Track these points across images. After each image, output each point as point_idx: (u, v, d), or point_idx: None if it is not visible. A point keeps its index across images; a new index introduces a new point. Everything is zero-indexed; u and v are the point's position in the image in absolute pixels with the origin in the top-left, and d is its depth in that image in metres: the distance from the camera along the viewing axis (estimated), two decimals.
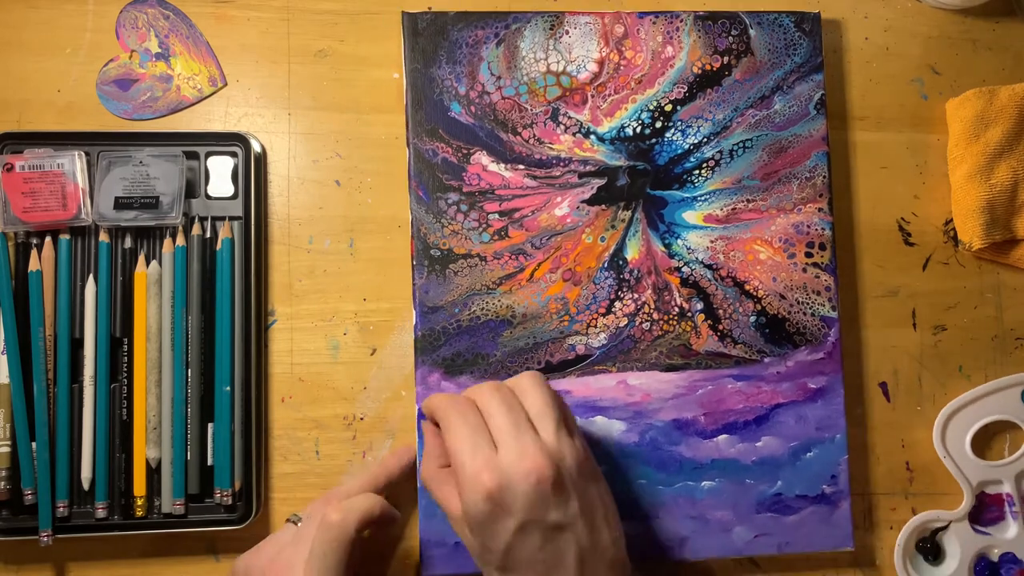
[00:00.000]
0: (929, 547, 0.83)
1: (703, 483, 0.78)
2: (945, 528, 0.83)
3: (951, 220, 0.87)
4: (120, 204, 0.75)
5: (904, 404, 0.85)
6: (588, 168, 0.79)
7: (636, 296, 0.79)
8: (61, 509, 0.73)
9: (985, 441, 0.86)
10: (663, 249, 0.79)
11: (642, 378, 0.78)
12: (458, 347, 0.77)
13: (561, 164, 0.79)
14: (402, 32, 0.79)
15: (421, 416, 0.76)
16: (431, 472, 0.68)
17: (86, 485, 0.74)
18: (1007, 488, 0.84)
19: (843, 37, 0.88)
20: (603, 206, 0.79)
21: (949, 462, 0.83)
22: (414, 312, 0.77)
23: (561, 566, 0.62)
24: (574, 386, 0.78)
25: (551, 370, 0.77)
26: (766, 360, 0.80)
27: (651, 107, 0.80)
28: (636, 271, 0.79)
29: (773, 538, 0.78)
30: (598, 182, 0.79)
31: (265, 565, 0.68)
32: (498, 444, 0.62)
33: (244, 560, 0.70)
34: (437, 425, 0.68)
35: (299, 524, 0.70)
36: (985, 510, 0.84)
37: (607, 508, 0.66)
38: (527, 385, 0.66)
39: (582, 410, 0.77)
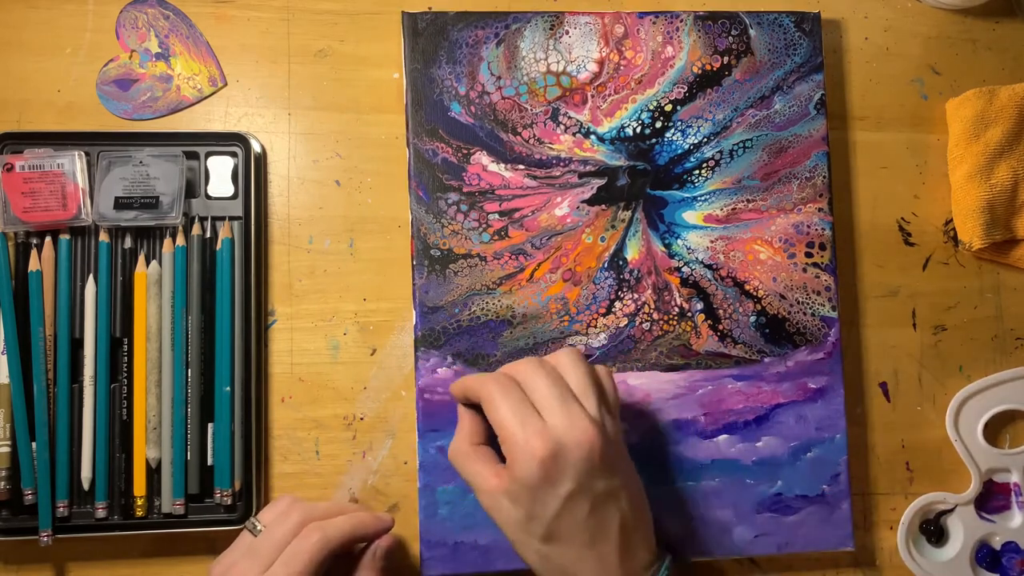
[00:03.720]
0: (932, 529, 0.83)
1: (703, 483, 0.78)
2: (951, 511, 0.84)
3: (951, 220, 0.87)
4: (120, 204, 0.75)
5: (904, 404, 0.85)
6: (588, 168, 0.79)
7: (636, 296, 0.79)
8: (61, 509, 0.73)
9: (998, 430, 0.86)
10: (663, 249, 0.79)
11: (642, 378, 0.78)
12: (458, 347, 0.77)
13: (561, 164, 0.79)
14: (402, 32, 0.79)
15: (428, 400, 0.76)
16: (464, 449, 0.68)
17: (86, 485, 0.74)
18: (1015, 478, 0.84)
19: (843, 37, 0.88)
20: (603, 206, 0.79)
21: (960, 445, 0.84)
22: (414, 312, 0.77)
23: (605, 536, 0.64)
24: None
25: None
26: (766, 360, 0.80)
27: (651, 107, 0.80)
28: (636, 271, 0.79)
29: (773, 538, 0.78)
30: (598, 182, 0.79)
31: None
32: (545, 414, 0.63)
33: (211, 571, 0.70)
34: (470, 406, 0.69)
35: (257, 534, 0.69)
36: (992, 498, 0.85)
37: (640, 486, 0.68)
38: (567, 362, 0.67)
39: None
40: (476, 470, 0.66)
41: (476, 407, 0.68)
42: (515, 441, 0.62)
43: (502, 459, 0.65)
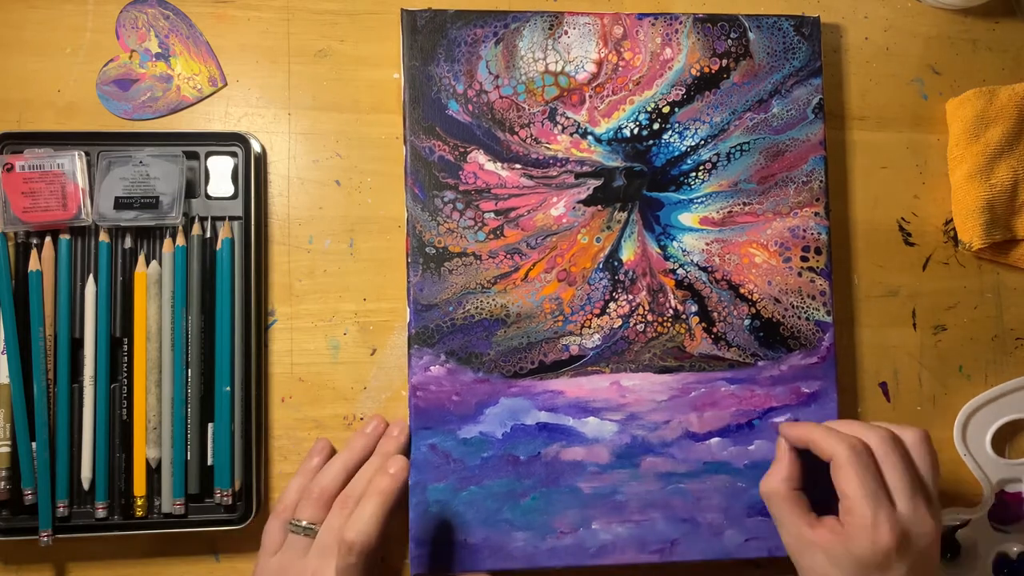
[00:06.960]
0: (948, 544, 0.83)
1: (694, 485, 0.78)
2: (964, 526, 0.84)
3: (951, 220, 0.87)
4: (120, 204, 0.75)
5: (904, 404, 0.85)
6: (585, 169, 0.79)
7: (631, 297, 0.79)
8: (61, 509, 0.73)
9: (1006, 440, 0.86)
10: (658, 251, 0.79)
11: (635, 379, 0.78)
12: (452, 345, 0.77)
13: (558, 164, 0.79)
14: (401, 29, 0.79)
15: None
16: (782, 492, 0.70)
17: (86, 485, 0.75)
18: None
19: (843, 37, 0.87)
20: (599, 207, 0.79)
21: (969, 460, 0.84)
22: (408, 310, 0.77)
23: None
24: (567, 386, 0.78)
25: (545, 370, 0.78)
26: (760, 364, 0.80)
27: (649, 109, 0.80)
28: (631, 272, 0.79)
29: (764, 542, 0.78)
30: (594, 183, 0.79)
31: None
32: (897, 500, 0.66)
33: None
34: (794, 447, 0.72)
35: (314, 536, 0.71)
36: (1005, 509, 0.85)
37: None
38: (919, 449, 0.69)
39: (575, 411, 0.78)
40: (794, 516, 0.69)
41: (801, 450, 0.71)
42: (863, 521, 0.64)
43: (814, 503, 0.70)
